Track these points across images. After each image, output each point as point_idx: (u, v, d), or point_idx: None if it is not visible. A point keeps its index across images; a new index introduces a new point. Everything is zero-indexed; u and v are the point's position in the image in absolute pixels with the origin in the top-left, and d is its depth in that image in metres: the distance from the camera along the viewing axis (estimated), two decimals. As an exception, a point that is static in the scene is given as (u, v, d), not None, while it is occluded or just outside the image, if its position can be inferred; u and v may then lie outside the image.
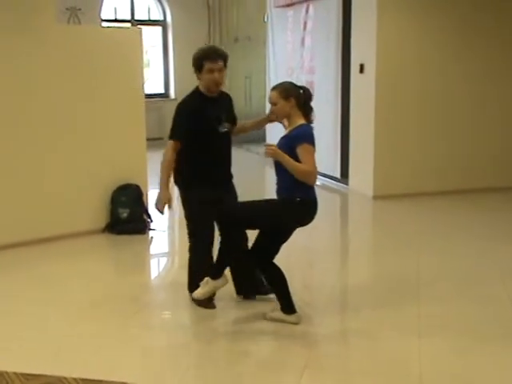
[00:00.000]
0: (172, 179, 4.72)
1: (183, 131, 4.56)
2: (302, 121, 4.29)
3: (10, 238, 6.20)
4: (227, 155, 4.78)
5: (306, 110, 4.36)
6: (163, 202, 4.56)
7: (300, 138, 4.18)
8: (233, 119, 4.82)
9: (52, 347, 4.18)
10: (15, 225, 6.28)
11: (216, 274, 4.40)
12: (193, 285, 4.64)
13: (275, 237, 4.44)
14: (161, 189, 4.57)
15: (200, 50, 4.65)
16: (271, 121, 4.70)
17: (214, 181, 4.64)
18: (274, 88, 4.38)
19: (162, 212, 4.61)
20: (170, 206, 4.60)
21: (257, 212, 4.38)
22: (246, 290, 4.90)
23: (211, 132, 4.58)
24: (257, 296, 4.87)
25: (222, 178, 4.74)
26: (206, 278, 4.38)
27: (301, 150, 4.14)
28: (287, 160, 4.15)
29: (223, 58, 4.59)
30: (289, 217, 4.33)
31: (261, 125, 5.04)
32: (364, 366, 3.97)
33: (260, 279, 4.75)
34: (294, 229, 4.46)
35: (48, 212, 6.45)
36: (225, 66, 4.60)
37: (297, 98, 4.30)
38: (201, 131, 4.55)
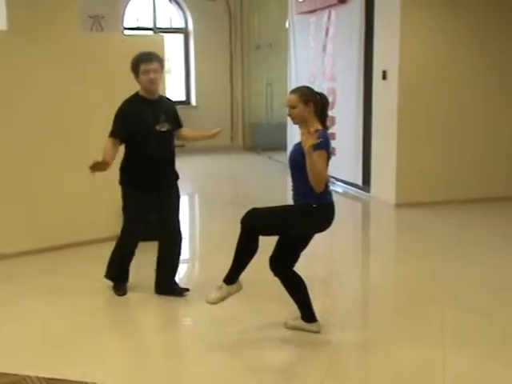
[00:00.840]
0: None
1: (118, 130, 4.91)
2: (318, 126, 4.25)
3: (24, 245, 6.23)
4: (168, 155, 5.03)
5: (323, 117, 4.33)
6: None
7: (316, 144, 4.14)
8: (176, 123, 5.14)
9: (68, 351, 4.19)
10: (32, 232, 6.30)
11: (231, 279, 4.36)
12: (109, 271, 5.23)
13: (294, 243, 4.40)
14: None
15: (136, 55, 4.94)
16: (213, 136, 5.22)
17: (150, 180, 4.93)
18: (294, 91, 4.34)
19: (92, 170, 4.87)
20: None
21: (274, 218, 4.33)
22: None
23: (147, 132, 4.84)
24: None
25: (161, 177, 5.00)
26: (221, 283, 4.35)
27: (315, 156, 4.09)
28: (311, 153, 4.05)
29: (157, 59, 4.91)
30: (306, 223, 4.28)
31: (206, 138, 5.44)
32: (385, 375, 3.91)
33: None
34: (312, 235, 4.41)
35: (63, 219, 6.46)
36: (161, 67, 4.95)
37: (315, 103, 4.26)
38: (136, 132, 4.85)
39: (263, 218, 4.33)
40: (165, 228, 5.21)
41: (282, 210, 4.42)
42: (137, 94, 4.99)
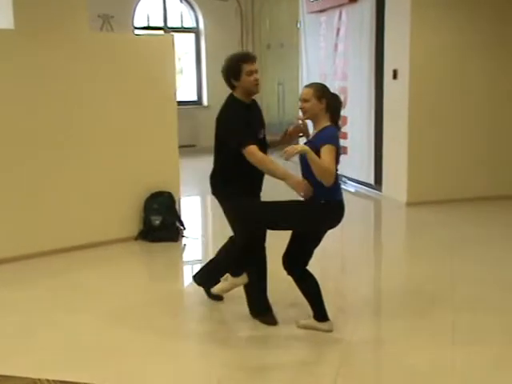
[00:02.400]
0: (211, 190, 4.64)
1: (250, 135, 4.38)
2: (328, 123, 4.25)
3: (43, 246, 6.27)
4: None
5: (335, 116, 4.33)
6: (302, 186, 4.20)
7: (324, 139, 4.14)
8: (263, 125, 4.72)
9: (82, 354, 4.21)
10: (48, 233, 6.33)
11: (237, 271, 4.38)
12: (257, 308, 4.69)
13: (304, 241, 4.40)
14: (289, 177, 4.23)
15: (233, 55, 4.54)
16: (297, 132, 4.67)
17: (256, 188, 4.62)
18: (309, 86, 4.35)
19: (308, 194, 4.21)
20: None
21: (281, 213, 4.31)
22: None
23: (256, 140, 4.40)
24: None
25: (259, 186, 4.65)
26: (226, 274, 4.37)
27: (323, 150, 4.08)
28: (309, 152, 4.03)
29: (256, 60, 4.54)
30: (314, 220, 4.28)
31: (292, 136, 4.78)
32: (397, 374, 3.91)
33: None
34: (321, 233, 4.42)
35: (81, 219, 6.50)
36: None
37: (328, 101, 4.27)
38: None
39: (269, 213, 4.31)
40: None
41: (290, 205, 4.39)
42: (237, 100, 4.52)
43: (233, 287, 4.47)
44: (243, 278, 4.41)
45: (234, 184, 4.47)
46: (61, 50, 6.21)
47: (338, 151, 4.19)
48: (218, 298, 4.90)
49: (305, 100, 4.27)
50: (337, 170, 4.19)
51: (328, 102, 4.27)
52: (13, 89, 6.02)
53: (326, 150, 4.08)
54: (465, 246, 6.58)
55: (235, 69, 4.41)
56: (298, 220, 4.27)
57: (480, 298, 5.10)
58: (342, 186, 8.79)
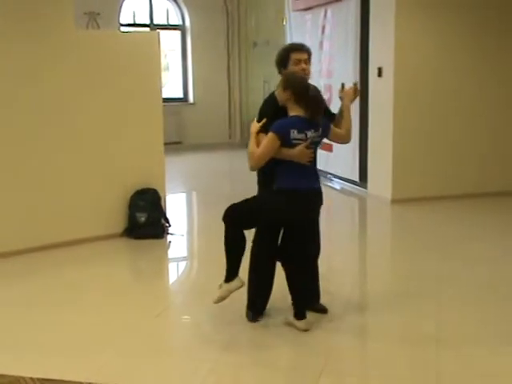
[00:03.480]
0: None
1: None
2: (296, 113, 4.25)
3: (27, 242, 6.25)
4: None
5: (308, 109, 4.24)
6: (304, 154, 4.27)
7: (273, 127, 4.18)
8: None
9: (65, 351, 4.21)
10: (32, 230, 6.32)
11: (228, 276, 4.37)
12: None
13: (281, 232, 4.50)
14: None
15: (285, 45, 4.71)
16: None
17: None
18: (283, 73, 4.42)
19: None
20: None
21: (248, 208, 4.33)
22: None
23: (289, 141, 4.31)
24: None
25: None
26: (221, 282, 4.37)
27: (265, 136, 4.18)
28: (251, 134, 4.27)
29: (309, 52, 4.55)
30: (272, 207, 4.30)
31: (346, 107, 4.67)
32: (381, 372, 3.93)
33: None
34: (286, 221, 4.39)
35: (66, 216, 6.48)
36: (310, 60, 4.54)
37: (294, 92, 4.23)
38: None
39: (240, 211, 4.33)
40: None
41: (254, 198, 4.43)
42: (272, 94, 4.50)
43: (228, 293, 4.40)
44: (237, 282, 4.39)
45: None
46: (47, 48, 6.20)
47: (284, 140, 4.18)
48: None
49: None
50: (311, 162, 4.30)
51: (293, 93, 4.23)
52: (-1, 88, 6.02)
53: (265, 137, 4.18)
54: (450, 243, 6.61)
55: (284, 58, 4.47)
56: (262, 210, 4.30)
57: (464, 296, 5.13)
58: (328, 183, 8.86)
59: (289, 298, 4.56)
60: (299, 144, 4.21)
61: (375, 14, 8.51)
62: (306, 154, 4.25)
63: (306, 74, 4.44)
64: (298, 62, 4.41)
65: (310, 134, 4.23)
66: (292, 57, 4.42)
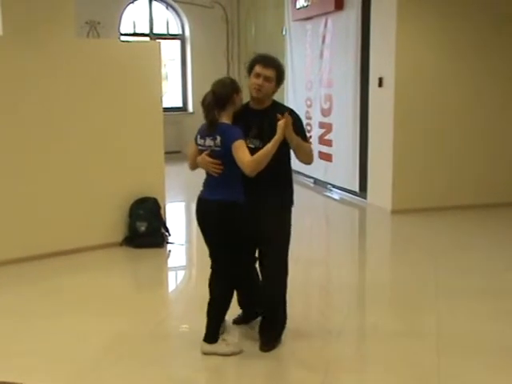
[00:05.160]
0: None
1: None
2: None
3: (27, 251, 6.23)
4: (261, 174, 4.01)
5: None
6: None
7: None
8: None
9: (61, 361, 4.19)
10: (32, 238, 6.30)
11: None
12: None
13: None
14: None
15: (256, 55, 4.40)
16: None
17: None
18: None
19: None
20: None
21: None
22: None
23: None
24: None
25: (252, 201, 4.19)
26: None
27: None
28: None
29: (276, 68, 4.21)
30: None
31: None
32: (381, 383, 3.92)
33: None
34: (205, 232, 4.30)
35: (66, 225, 6.47)
36: (277, 79, 4.21)
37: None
38: None
39: None
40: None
41: None
42: (247, 102, 4.32)
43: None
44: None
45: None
46: (48, 57, 6.21)
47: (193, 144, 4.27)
48: None
49: None
50: (219, 173, 4.10)
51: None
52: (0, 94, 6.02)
53: None
54: (449, 254, 6.60)
55: (249, 67, 4.27)
56: None
57: (465, 307, 5.11)
58: (327, 193, 8.88)
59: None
60: (204, 151, 4.16)
61: (376, 24, 8.53)
62: (205, 163, 4.11)
63: (258, 89, 4.15)
64: (257, 76, 4.16)
65: (207, 141, 4.14)
66: (255, 68, 4.19)
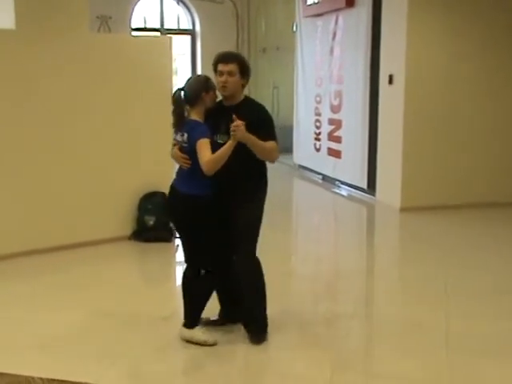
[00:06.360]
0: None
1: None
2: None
3: (35, 244, 6.26)
4: (227, 170, 4.05)
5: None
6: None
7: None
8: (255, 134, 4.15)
9: (74, 351, 4.22)
10: (42, 231, 6.33)
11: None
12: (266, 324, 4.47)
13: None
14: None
15: (217, 54, 4.38)
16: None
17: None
18: None
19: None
20: None
21: None
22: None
23: (212, 142, 4.12)
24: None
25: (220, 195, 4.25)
26: None
27: None
28: None
29: (236, 61, 4.26)
30: None
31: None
32: (389, 382, 3.93)
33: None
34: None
35: (74, 218, 6.50)
36: (241, 71, 4.25)
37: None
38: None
39: None
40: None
41: None
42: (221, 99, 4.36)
43: None
44: None
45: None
46: (61, 51, 6.23)
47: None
48: None
49: None
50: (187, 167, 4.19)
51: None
52: (12, 89, 6.05)
53: None
54: (458, 252, 6.58)
55: (214, 67, 4.32)
56: None
57: (473, 305, 5.10)
58: (335, 190, 8.89)
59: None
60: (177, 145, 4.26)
61: (386, 21, 8.51)
62: (177, 157, 4.24)
63: (224, 86, 4.20)
64: (220, 74, 4.22)
65: (178, 137, 4.24)
66: (218, 67, 4.26)
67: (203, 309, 4.36)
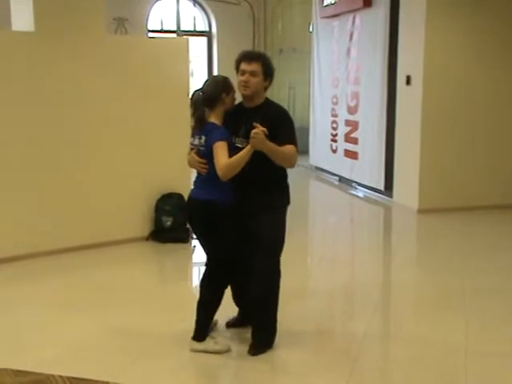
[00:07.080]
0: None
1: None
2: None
3: (54, 244, 6.29)
4: (246, 175, 3.99)
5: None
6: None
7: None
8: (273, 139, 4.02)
9: (92, 351, 4.23)
10: (60, 231, 6.37)
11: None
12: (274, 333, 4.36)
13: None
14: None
15: (240, 53, 4.25)
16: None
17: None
18: None
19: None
20: None
21: None
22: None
23: (231, 147, 4.03)
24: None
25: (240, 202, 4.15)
26: None
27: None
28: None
29: (260, 60, 4.14)
30: None
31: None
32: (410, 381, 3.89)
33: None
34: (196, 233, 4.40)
35: (93, 219, 6.53)
36: (264, 72, 4.12)
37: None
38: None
39: None
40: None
41: None
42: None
43: None
44: None
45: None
46: (79, 52, 6.27)
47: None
48: None
49: None
50: (205, 172, 4.09)
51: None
52: (32, 90, 6.09)
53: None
54: (477, 254, 6.53)
55: (236, 66, 4.21)
56: None
57: (493, 308, 5.05)
58: (352, 191, 8.87)
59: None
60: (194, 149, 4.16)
61: (404, 22, 8.47)
62: (193, 162, 4.13)
63: (246, 86, 4.09)
64: (242, 72, 4.10)
65: (195, 140, 4.14)
66: (240, 66, 4.13)
67: (213, 317, 4.33)
